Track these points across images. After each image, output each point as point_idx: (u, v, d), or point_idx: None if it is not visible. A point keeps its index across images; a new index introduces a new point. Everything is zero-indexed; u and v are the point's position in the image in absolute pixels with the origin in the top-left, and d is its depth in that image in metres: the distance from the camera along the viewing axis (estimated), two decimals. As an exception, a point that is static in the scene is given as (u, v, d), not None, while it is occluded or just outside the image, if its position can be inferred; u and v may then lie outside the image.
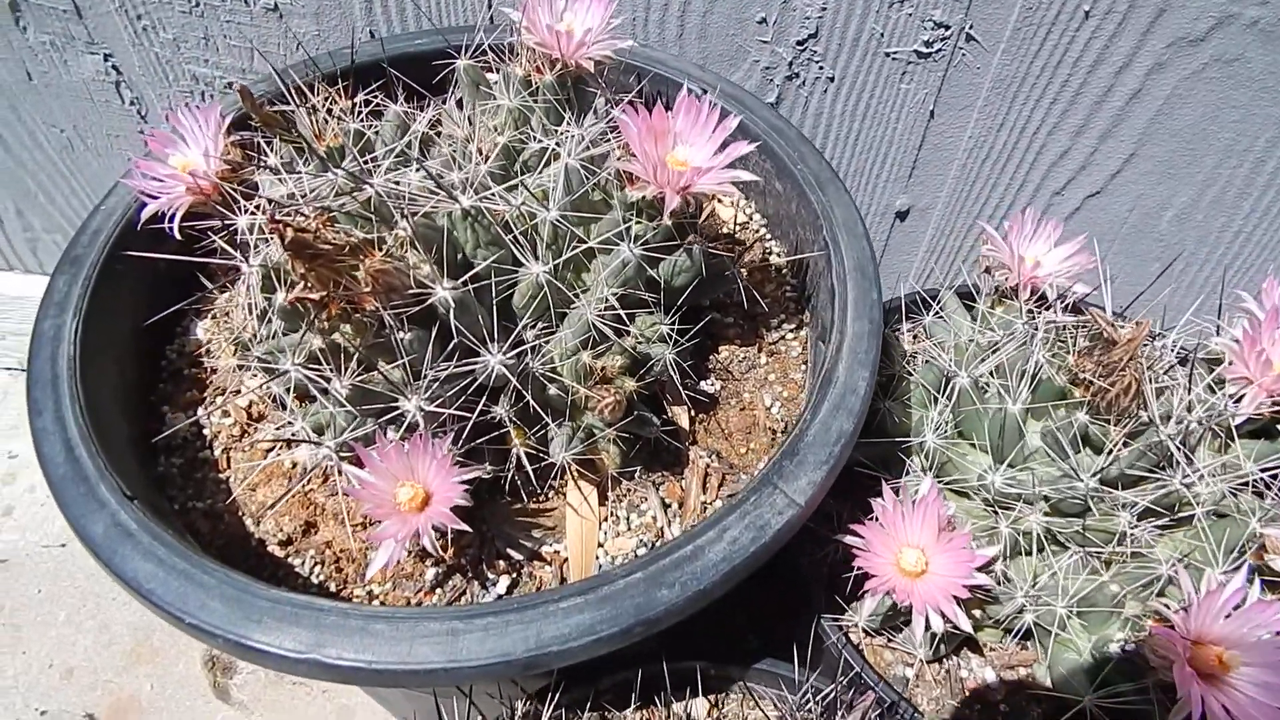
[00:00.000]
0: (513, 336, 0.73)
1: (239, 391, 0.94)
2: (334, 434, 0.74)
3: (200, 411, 0.92)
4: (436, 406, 0.71)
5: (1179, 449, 0.83)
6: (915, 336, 1.15)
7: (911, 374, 1.04)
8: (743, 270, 1.08)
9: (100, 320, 0.87)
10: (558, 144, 0.84)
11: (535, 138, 0.88)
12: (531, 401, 0.77)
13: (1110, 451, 0.85)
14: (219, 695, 1.55)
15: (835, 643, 0.94)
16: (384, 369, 0.70)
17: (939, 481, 0.98)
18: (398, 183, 0.73)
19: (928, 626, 0.83)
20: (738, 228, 1.11)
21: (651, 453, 0.91)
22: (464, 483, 0.75)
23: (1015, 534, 0.90)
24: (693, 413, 0.94)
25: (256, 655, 0.66)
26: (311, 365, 0.70)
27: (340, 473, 0.75)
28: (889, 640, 0.99)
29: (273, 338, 0.75)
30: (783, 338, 1.02)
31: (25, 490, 1.79)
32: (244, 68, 1.35)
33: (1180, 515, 0.90)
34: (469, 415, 0.76)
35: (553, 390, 0.79)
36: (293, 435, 0.79)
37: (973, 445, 0.97)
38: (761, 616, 1.13)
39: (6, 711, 1.50)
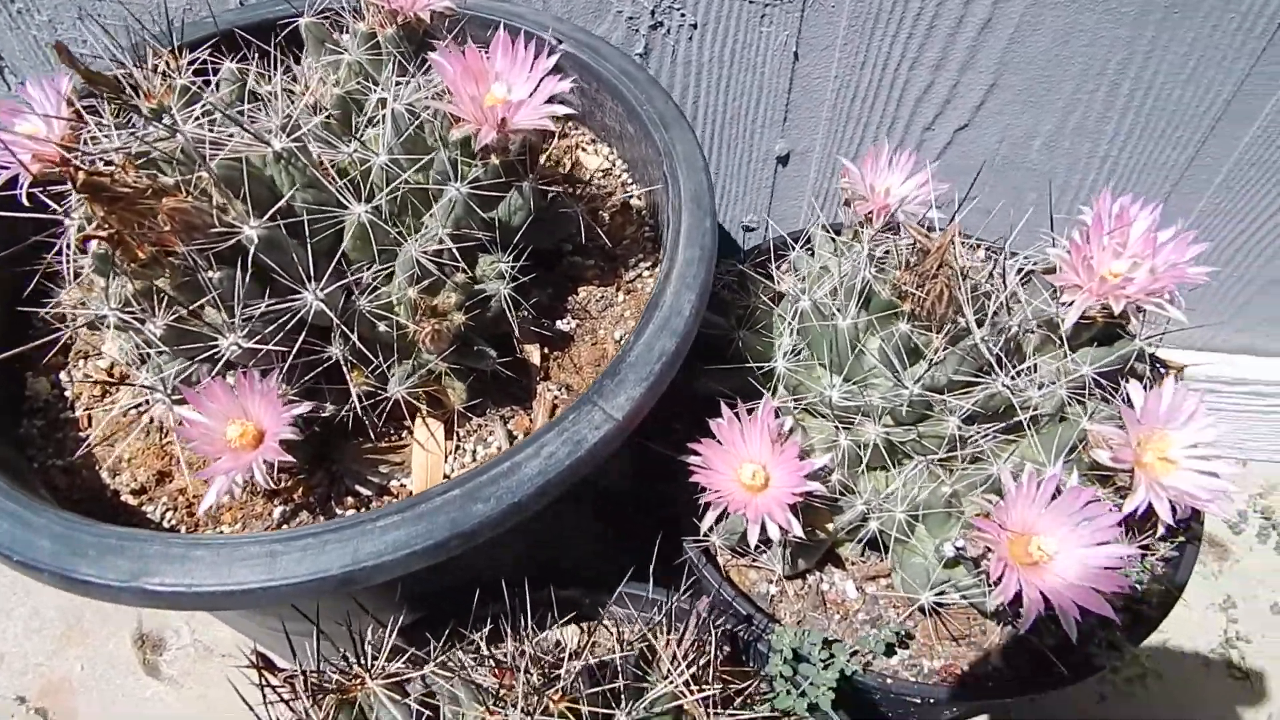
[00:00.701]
0: (328, 273, 0.76)
1: (100, 354, 0.96)
2: (158, 375, 0.76)
3: (63, 375, 0.95)
4: (255, 343, 0.74)
5: (991, 351, 0.87)
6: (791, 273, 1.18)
7: (772, 306, 1.08)
8: (604, 215, 1.11)
9: (-50, 289, 0.89)
10: (384, 90, 0.86)
11: (374, 90, 0.90)
12: (359, 341, 0.80)
13: (930, 358, 0.88)
14: (149, 672, 1.58)
15: (694, 560, 0.98)
16: (197, 309, 0.72)
17: (797, 404, 1.01)
18: (212, 129, 0.75)
19: (765, 535, 0.87)
20: (600, 174, 1.14)
21: (502, 389, 0.93)
22: (297, 419, 0.78)
23: (855, 445, 0.93)
24: (545, 350, 0.97)
25: (82, 587, 0.69)
26: (127, 309, 0.72)
27: (176, 419, 0.78)
28: (753, 560, 1.03)
29: (102, 290, 0.77)
30: (639, 276, 1.05)
31: (-46, 485, 1.80)
32: (122, 45, 1.36)
33: (1015, 420, 0.93)
34: (300, 355, 0.79)
35: (382, 328, 0.82)
36: (139, 385, 0.81)
37: (823, 366, 1.00)
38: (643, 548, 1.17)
39: (-62, 699, 1.52)
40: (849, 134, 1.36)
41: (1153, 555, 1.02)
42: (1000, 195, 1.41)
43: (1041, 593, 0.82)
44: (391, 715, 0.75)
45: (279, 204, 0.72)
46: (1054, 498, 0.84)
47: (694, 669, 0.80)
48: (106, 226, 0.66)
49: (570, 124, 1.18)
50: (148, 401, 0.89)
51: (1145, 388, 0.91)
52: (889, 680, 0.92)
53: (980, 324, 0.87)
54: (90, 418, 0.92)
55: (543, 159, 1.14)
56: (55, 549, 0.69)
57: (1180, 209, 1.42)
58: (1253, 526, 1.80)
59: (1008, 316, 0.91)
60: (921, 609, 0.98)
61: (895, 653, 0.97)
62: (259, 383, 0.75)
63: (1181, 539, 1.02)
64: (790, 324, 1.00)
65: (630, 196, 1.12)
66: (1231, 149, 1.31)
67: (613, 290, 1.03)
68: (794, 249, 1.13)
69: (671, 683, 0.78)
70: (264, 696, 0.76)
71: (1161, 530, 0.92)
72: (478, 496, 0.72)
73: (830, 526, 0.98)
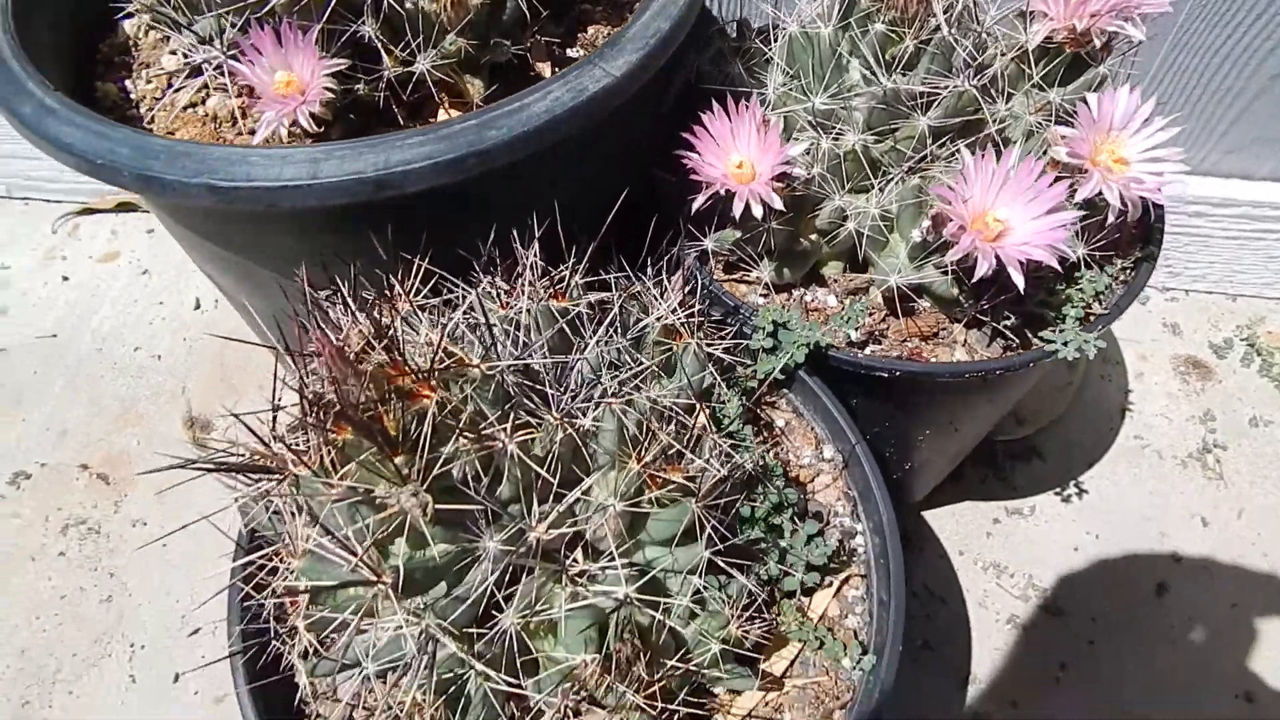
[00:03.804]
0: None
1: (164, 69, 1.08)
2: (219, 40, 0.87)
3: (128, 81, 1.07)
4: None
5: (959, 43, 0.95)
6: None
7: (765, 49, 1.16)
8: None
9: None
10: None
11: None
12: (389, 17, 0.91)
13: (903, 52, 0.97)
14: (199, 449, 1.72)
15: (689, 262, 1.09)
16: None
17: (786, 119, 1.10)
18: None
19: (748, 210, 0.97)
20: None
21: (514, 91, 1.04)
22: (333, 83, 0.89)
23: (834, 148, 1.03)
24: (555, 69, 1.07)
25: (157, 184, 0.81)
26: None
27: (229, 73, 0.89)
28: (744, 275, 1.14)
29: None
30: (643, 17, 1.14)
31: (19, 295, 1.96)
32: None
33: (985, 134, 1.02)
34: (336, 25, 0.90)
35: (409, 5, 0.92)
36: (199, 59, 0.93)
37: (809, 87, 1.09)
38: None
39: (10, 464, 1.68)
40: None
41: (1112, 270, 1.11)
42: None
43: (996, 254, 0.92)
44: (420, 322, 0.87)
45: None
46: (1008, 178, 0.94)
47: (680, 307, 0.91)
48: None
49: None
50: (207, 89, 1.02)
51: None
52: (860, 355, 1.03)
53: (949, 23, 0.95)
54: (152, 116, 1.04)
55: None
56: (132, 154, 0.81)
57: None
58: (1237, 352, 1.87)
59: (976, 25, 0.99)
60: (895, 313, 1.08)
61: (867, 346, 1.08)
62: (300, 37, 0.87)
63: (1138, 256, 1.10)
64: (781, 50, 1.09)
65: (638, -48, 1.20)
66: (1218, -61, 1.37)
67: (618, 29, 1.13)
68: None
69: (659, 315, 0.89)
70: (308, 306, 0.87)
71: (1112, 219, 1.01)
72: (492, 125, 0.83)
73: (814, 236, 1.08)
